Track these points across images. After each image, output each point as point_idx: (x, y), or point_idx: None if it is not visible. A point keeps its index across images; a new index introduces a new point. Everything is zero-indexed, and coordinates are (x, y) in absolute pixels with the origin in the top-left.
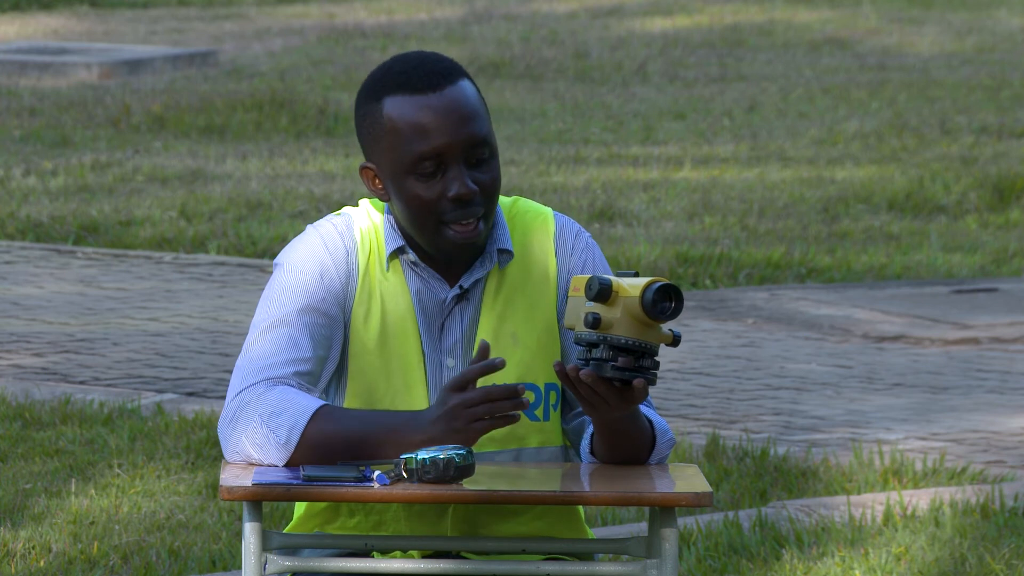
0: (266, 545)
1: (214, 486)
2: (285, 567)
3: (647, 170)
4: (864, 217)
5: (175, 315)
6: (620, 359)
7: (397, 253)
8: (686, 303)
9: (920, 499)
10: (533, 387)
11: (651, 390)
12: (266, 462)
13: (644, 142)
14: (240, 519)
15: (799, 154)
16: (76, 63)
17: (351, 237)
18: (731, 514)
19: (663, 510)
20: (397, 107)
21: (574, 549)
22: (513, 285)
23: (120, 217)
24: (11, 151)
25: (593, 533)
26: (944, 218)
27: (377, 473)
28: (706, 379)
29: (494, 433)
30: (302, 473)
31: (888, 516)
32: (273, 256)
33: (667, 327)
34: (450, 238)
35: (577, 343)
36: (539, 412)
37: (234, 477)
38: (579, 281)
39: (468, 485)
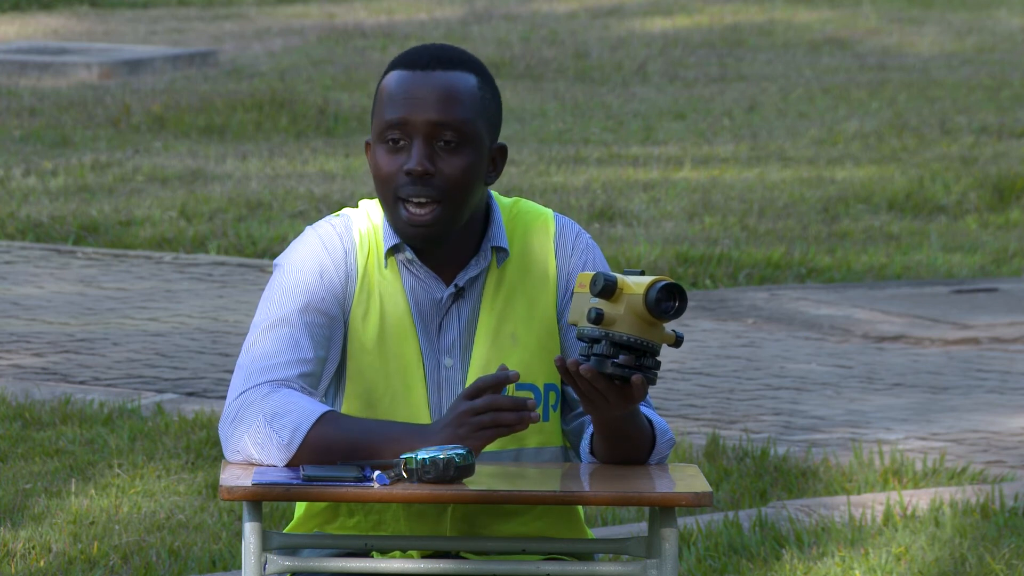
0: (266, 545)
1: (214, 486)
2: (285, 567)
3: (647, 170)
4: (864, 217)
5: (175, 315)
6: (621, 356)
7: (394, 251)
8: None
9: (920, 499)
10: (532, 387)
11: (651, 390)
12: (266, 462)
13: (644, 142)
14: (240, 519)
15: (799, 154)
16: (76, 63)
17: (350, 238)
18: (731, 514)
19: (663, 510)
20: (389, 79)
21: (574, 549)
22: (513, 285)
23: (120, 217)
24: (11, 151)
25: (593, 533)
26: (944, 218)
27: (377, 473)
28: (706, 379)
29: None
30: (302, 473)
31: (888, 516)
32: (273, 256)
33: (670, 327)
34: (403, 217)
35: (579, 339)
36: (538, 412)
37: (234, 477)
38: (584, 277)
39: (468, 485)
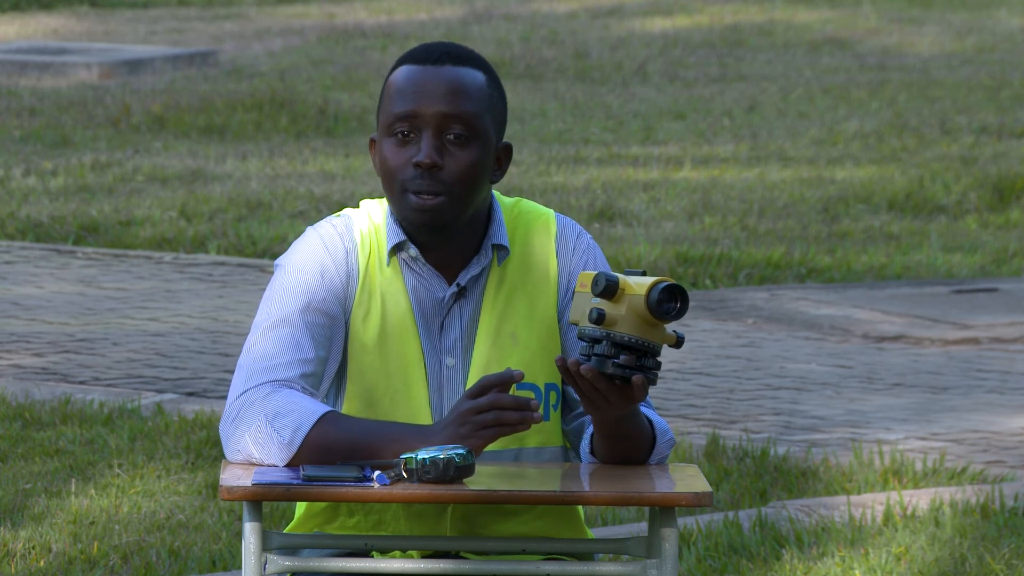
0: (266, 545)
1: (214, 486)
2: (285, 567)
3: (647, 170)
4: (864, 217)
5: (175, 315)
6: (622, 356)
7: (396, 249)
8: None
9: (920, 499)
10: (533, 387)
11: (651, 390)
12: (267, 462)
13: (644, 142)
14: (240, 519)
15: (799, 154)
16: (76, 63)
17: (351, 238)
18: (731, 514)
19: (663, 510)
20: (398, 74)
21: (574, 549)
22: (514, 284)
23: (120, 217)
24: (11, 151)
25: (593, 533)
26: (944, 218)
27: (377, 473)
28: (706, 379)
29: None
30: (302, 473)
31: (888, 516)
32: (273, 256)
33: (671, 328)
34: (410, 203)
35: (580, 339)
36: (540, 413)
37: (234, 477)
38: (586, 277)
39: (468, 485)
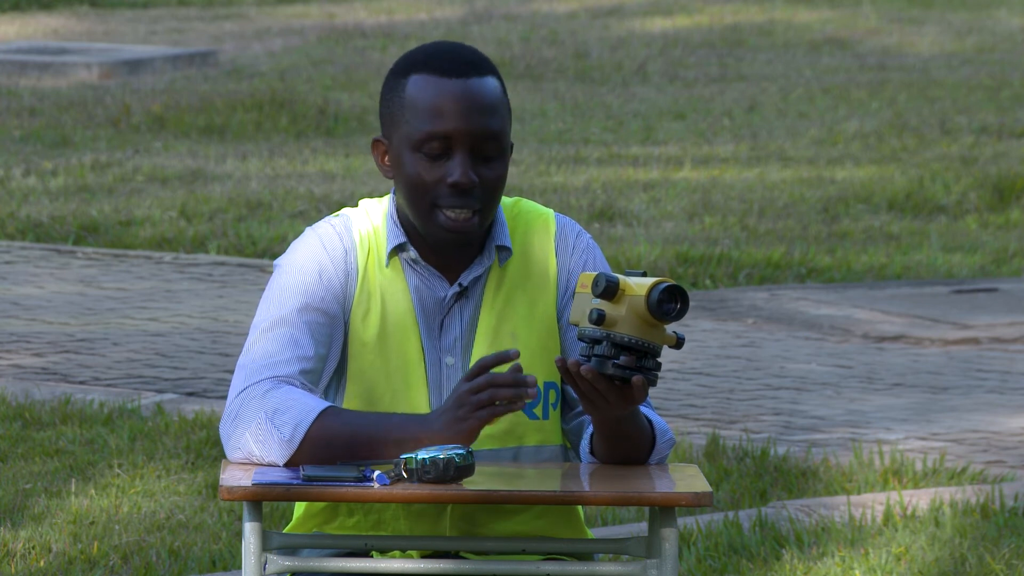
0: (266, 545)
1: (214, 486)
2: (285, 567)
3: (647, 170)
4: (864, 217)
5: (175, 315)
6: (622, 357)
7: (397, 250)
8: None
9: (920, 499)
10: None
11: (651, 390)
12: (267, 459)
13: (644, 142)
14: (240, 519)
15: (799, 154)
16: (76, 63)
17: (350, 238)
18: (731, 514)
19: (663, 510)
20: (420, 85)
21: (573, 549)
22: (513, 284)
23: (120, 217)
24: (11, 151)
25: (593, 533)
26: (944, 218)
27: (377, 473)
28: (706, 379)
29: (492, 430)
30: (302, 473)
31: (888, 516)
32: (273, 256)
33: (671, 329)
34: (441, 223)
35: (580, 339)
36: (538, 411)
37: (234, 477)
38: (586, 278)
39: (468, 485)
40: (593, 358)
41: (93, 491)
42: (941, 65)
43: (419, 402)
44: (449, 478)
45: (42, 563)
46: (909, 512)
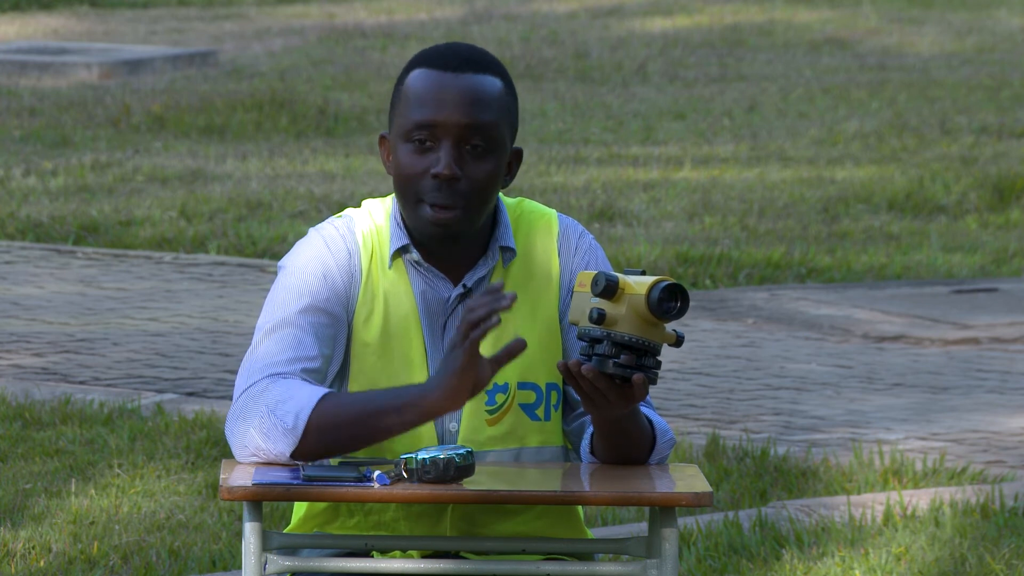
0: (266, 545)
1: (214, 486)
2: (285, 567)
3: (647, 170)
4: (864, 217)
5: (175, 315)
6: (623, 356)
7: (400, 252)
8: None
9: (920, 499)
10: (535, 386)
11: (651, 390)
12: (275, 452)
13: (644, 142)
14: (240, 519)
15: (799, 154)
16: (76, 63)
17: (353, 239)
18: (731, 514)
19: (663, 510)
20: (416, 77)
21: (574, 549)
22: (516, 284)
23: (120, 217)
24: (11, 151)
25: (593, 533)
26: (944, 218)
27: (377, 473)
28: (706, 379)
29: (494, 432)
30: (302, 473)
31: (888, 516)
32: (273, 256)
33: (671, 327)
34: (425, 216)
35: (580, 339)
36: (540, 412)
37: (234, 477)
38: (585, 277)
39: (468, 485)
40: (594, 357)
41: (93, 491)
42: (941, 65)
43: None
44: (449, 478)
45: (42, 563)
46: (909, 512)
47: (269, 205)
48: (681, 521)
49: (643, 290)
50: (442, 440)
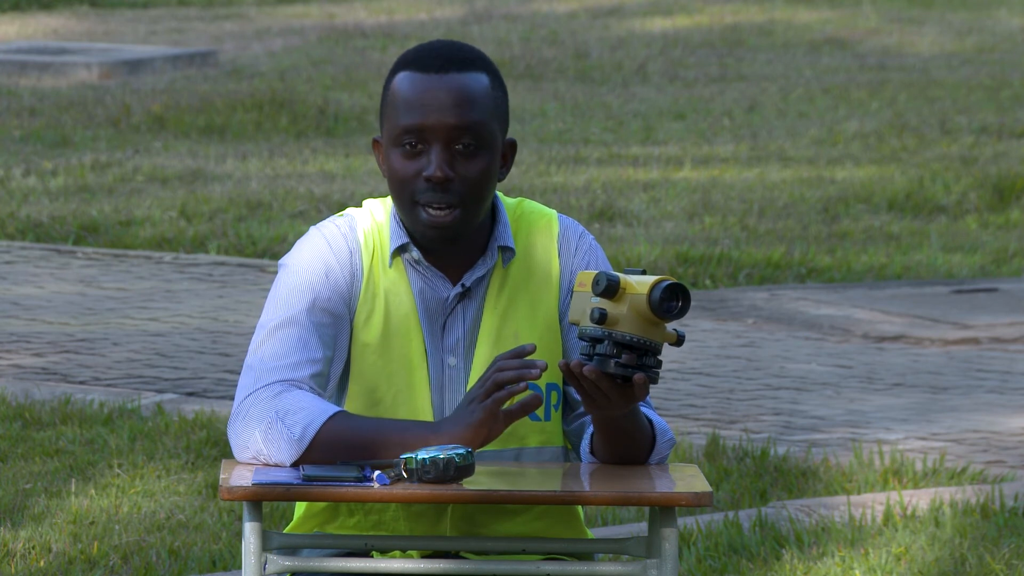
0: (266, 545)
1: (214, 486)
2: (285, 567)
3: (647, 170)
4: (864, 217)
5: (175, 315)
6: (624, 356)
7: (400, 251)
8: None
9: (920, 499)
10: (535, 386)
11: (652, 390)
12: (275, 459)
13: (644, 142)
14: (240, 519)
15: (799, 154)
16: (76, 63)
17: (355, 238)
18: (731, 514)
19: (663, 510)
20: (402, 81)
21: (573, 549)
22: (516, 284)
23: (120, 217)
24: (11, 151)
25: (593, 533)
26: (944, 218)
27: (377, 473)
28: (706, 379)
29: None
30: (302, 473)
31: (888, 516)
32: (273, 256)
33: (671, 327)
34: (422, 219)
35: (581, 338)
36: (540, 412)
37: (234, 477)
38: (585, 277)
39: (468, 485)
40: (595, 357)
41: (93, 491)
42: (941, 65)
43: (421, 403)
44: (449, 478)
45: (42, 563)
46: (909, 512)
47: (269, 205)
48: (681, 521)
49: (644, 290)
50: None
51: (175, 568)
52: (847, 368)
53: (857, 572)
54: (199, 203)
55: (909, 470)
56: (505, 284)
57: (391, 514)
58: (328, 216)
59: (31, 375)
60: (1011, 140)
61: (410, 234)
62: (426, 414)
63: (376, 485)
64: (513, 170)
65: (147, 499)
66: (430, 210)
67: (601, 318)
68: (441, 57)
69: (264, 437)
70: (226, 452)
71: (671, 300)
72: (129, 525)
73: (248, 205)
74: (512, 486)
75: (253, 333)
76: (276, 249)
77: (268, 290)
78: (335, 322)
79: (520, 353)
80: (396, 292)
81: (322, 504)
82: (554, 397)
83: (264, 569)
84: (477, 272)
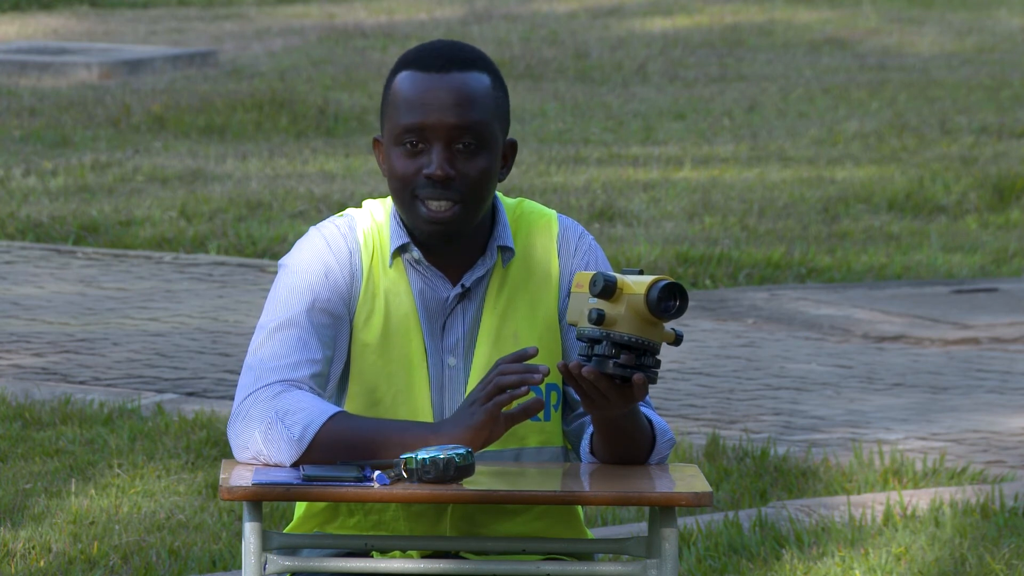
0: (266, 545)
1: (214, 486)
2: (285, 567)
3: (647, 170)
4: (864, 217)
5: (175, 315)
6: (622, 356)
7: (400, 251)
8: None
9: (920, 499)
10: (535, 389)
11: (651, 390)
12: (275, 459)
13: (644, 142)
14: (240, 519)
15: (799, 154)
16: (76, 63)
17: (354, 238)
18: (731, 514)
19: (663, 510)
20: (403, 80)
21: (573, 549)
22: (515, 285)
23: (120, 217)
24: (11, 151)
25: (593, 533)
26: (944, 218)
27: (377, 473)
28: (706, 379)
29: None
30: (302, 473)
31: (888, 516)
32: (273, 256)
33: (670, 326)
34: (421, 214)
35: (579, 339)
36: (539, 412)
37: (234, 477)
38: (582, 277)
39: (468, 485)
40: (593, 358)
41: (93, 491)
42: (941, 65)
43: (421, 403)
44: (449, 478)
45: (42, 563)
46: (909, 512)
47: (269, 205)
48: (681, 521)
49: (642, 290)
50: None
51: (175, 568)
52: (847, 368)
53: (857, 572)
54: (199, 203)
55: (909, 470)
56: (505, 284)
57: (391, 514)
58: (328, 216)
59: (31, 375)
60: (1011, 140)
61: (410, 234)
62: (426, 414)
63: (376, 485)
64: (513, 170)
65: (147, 499)
66: (430, 205)
67: (599, 319)
68: (443, 57)
69: (264, 437)
70: (226, 452)
71: (669, 300)
72: (129, 525)
73: (248, 205)
74: (512, 486)
75: (253, 333)
76: (276, 249)
77: (268, 290)
78: (335, 322)
79: (522, 356)
80: (396, 292)
81: (322, 504)
82: (554, 397)
83: (264, 569)
84: (477, 272)
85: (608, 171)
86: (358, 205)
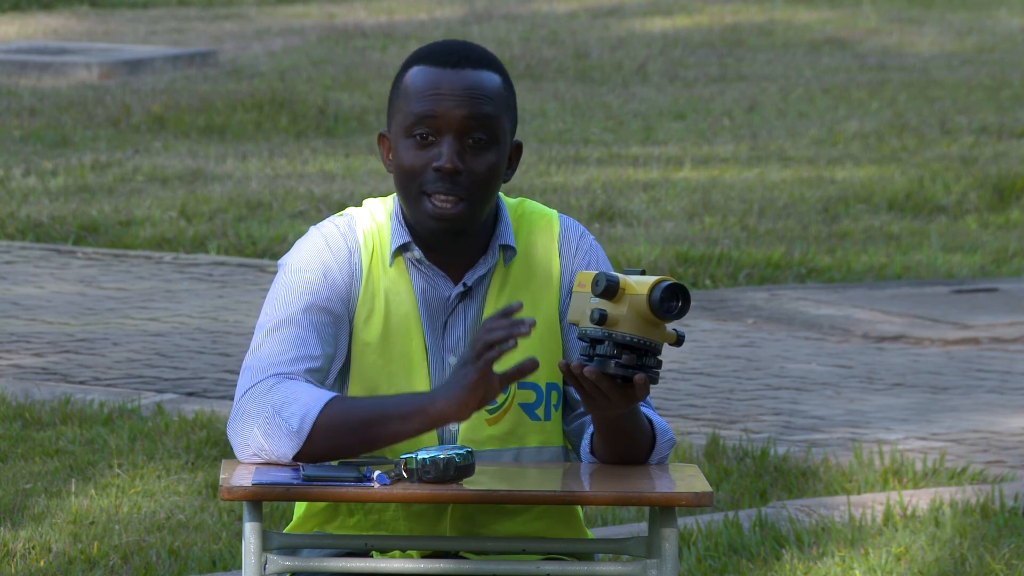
0: (266, 545)
1: (214, 486)
2: (285, 567)
3: (647, 170)
4: (864, 217)
5: (175, 315)
6: (624, 356)
7: (401, 250)
8: None
9: (920, 499)
10: (535, 386)
11: (652, 390)
12: (277, 453)
13: (644, 142)
14: (240, 519)
15: (799, 154)
16: (76, 63)
17: (354, 238)
18: (731, 514)
19: (663, 510)
20: (415, 74)
21: (573, 549)
22: (516, 284)
23: (120, 217)
24: (11, 151)
25: (593, 533)
26: (944, 218)
27: (377, 473)
28: (706, 379)
29: (494, 431)
30: (302, 473)
31: (888, 516)
32: (273, 256)
33: (671, 327)
34: (427, 210)
35: (581, 339)
36: (540, 411)
37: (234, 477)
38: (584, 277)
39: (468, 485)
40: (595, 358)
41: (93, 491)
42: (941, 65)
43: None
44: (449, 478)
45: (42, 563)
46: (909, 512)
47: (269, 205)
48: (681, 521)
49: (644, 290)
50: (442, 440)
51: (175, 568)
52: (847, 368)
53: (857, 572)
54: (199, 203)
55: (909, 470)
56: (506, 283)
57: (391, 514)
58: (328, 216)
59: (31, 375)
60: (1011, 140)
61: (412, 233)
62: None
63: (376, 485)
64: None
65: (147, 499)
66: (436, 200)
67: (601, 319)
68: (456, 54)
69: (263, 433)
70: (226, 452)
71: (671, 300)
72: (129, 525)
73: (248, 205)
74: (512, 486)
75: (253, 333)
76: (276, 249)
77: (268, 290)
78: (334, 321)
79: (508, 312)
80: (396, 291)
81: (322, 504)
82: (554, 397)
83: (264, 569)
84: (478, 271)
85: (608, 171)
86: (358, 205)
